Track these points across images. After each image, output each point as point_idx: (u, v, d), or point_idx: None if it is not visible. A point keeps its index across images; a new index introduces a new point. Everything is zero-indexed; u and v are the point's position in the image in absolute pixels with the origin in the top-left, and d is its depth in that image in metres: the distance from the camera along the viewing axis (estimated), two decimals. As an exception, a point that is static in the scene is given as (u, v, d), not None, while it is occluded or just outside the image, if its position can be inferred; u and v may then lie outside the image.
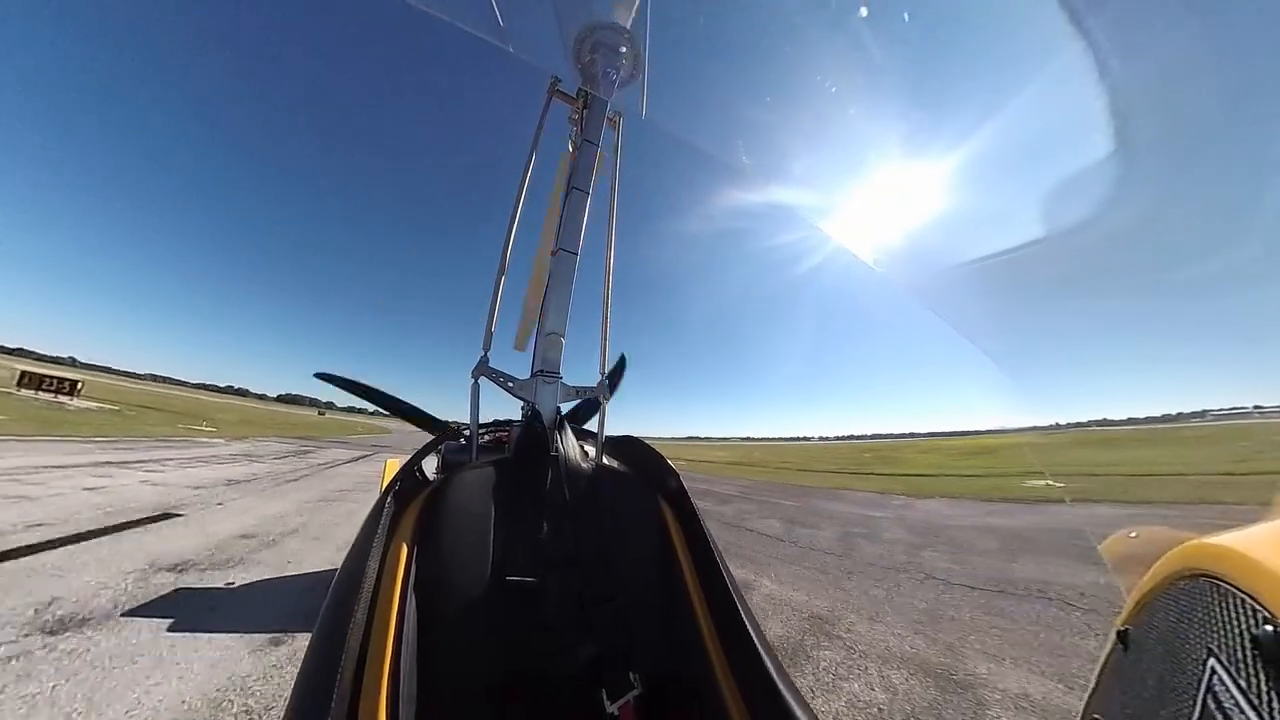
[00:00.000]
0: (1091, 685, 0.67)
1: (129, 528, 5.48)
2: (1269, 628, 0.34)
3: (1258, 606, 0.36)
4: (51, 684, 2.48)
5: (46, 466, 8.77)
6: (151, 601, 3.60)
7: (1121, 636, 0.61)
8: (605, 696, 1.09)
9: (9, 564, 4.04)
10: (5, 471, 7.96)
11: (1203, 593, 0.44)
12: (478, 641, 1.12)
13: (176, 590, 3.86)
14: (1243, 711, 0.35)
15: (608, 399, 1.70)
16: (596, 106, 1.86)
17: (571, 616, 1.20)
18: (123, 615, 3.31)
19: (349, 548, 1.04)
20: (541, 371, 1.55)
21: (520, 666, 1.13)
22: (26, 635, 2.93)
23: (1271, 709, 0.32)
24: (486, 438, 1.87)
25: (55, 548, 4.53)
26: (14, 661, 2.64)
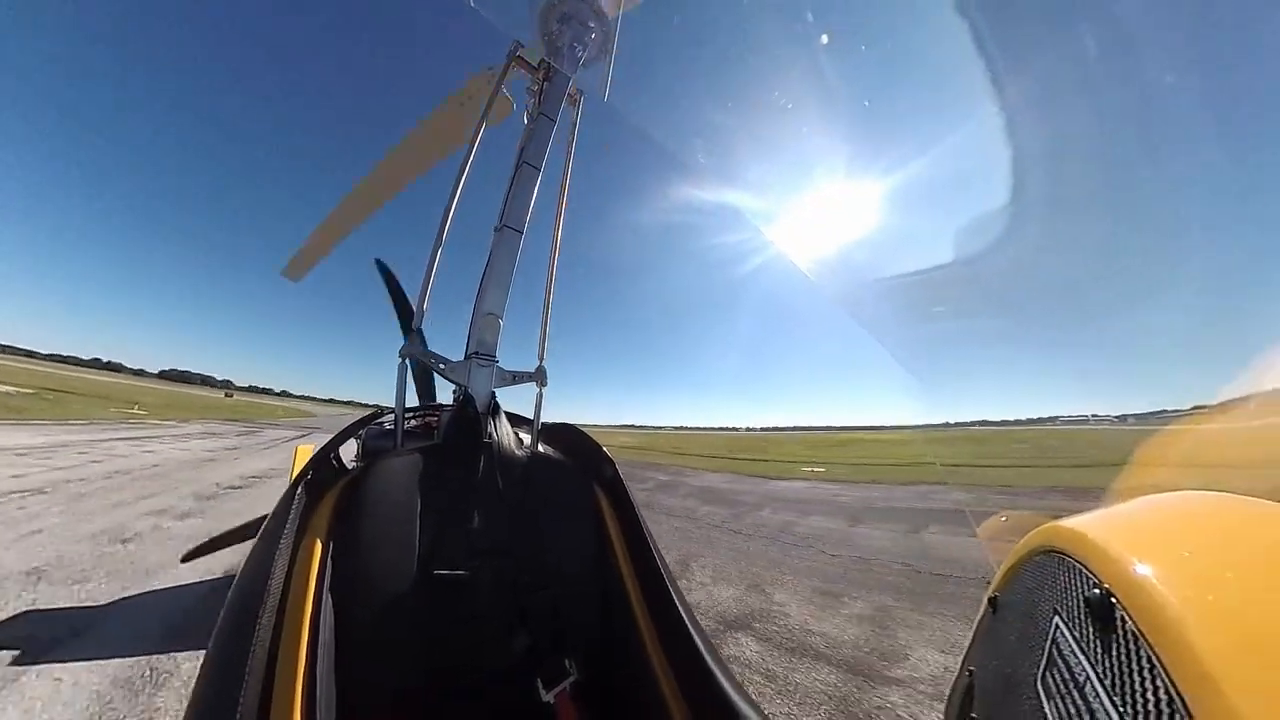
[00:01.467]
0: (968, 644, 0.81)
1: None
2: (1095, 590, 0.43)
3: (1089, 574, 0.46)
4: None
5: (88, 441, 10.73)
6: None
7: (992, 602, 0.74)
8: (541, 685, 1.09)
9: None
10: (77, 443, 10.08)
11: (1052, 565, 0.55)
12: (403, 641, 1.06)
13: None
14: (1075, 654, 0.44)
15: (545, 384, 1.66)
16: (558, 81, 1.76)
17: (504, 608, 1.18)
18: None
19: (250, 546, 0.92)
20: (476, 354, 1.47)
21: (450, 663, 1.09)
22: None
23: (1094, 650, 0.42)
24: (413, 422, 1.76)
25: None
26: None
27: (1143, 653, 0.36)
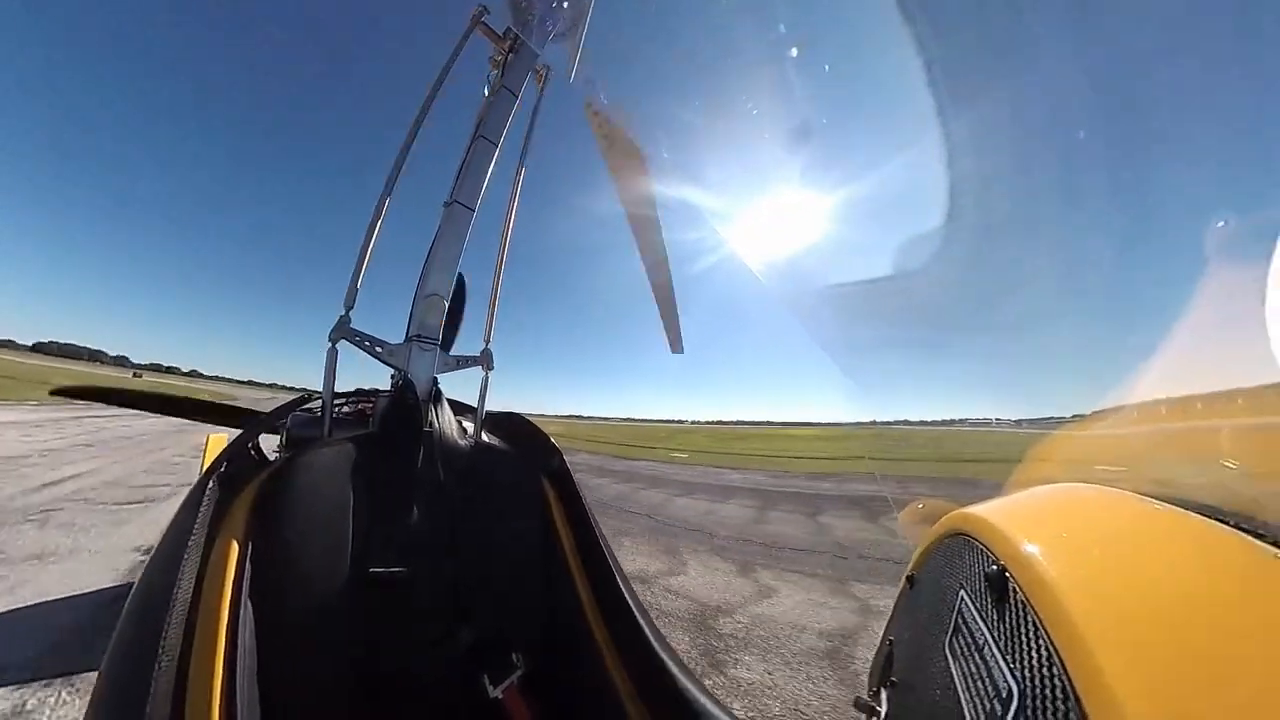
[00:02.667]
0: (889, 618, 0.90)
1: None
2: (994, 567, 0.49)
3: (989, 554, 0.52)
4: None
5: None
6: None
7: (909, 580, 0.82)
8: (487, 682, 1.05)
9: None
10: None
11: (960, 546, 0.62)
12: (335, 647, 0.98)
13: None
14: (976, 622, 0.50)
15: (491, 368, 1.59)
16: (524, 54, 1.67)
17: (446, 605, 1.13)
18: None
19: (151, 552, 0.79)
20: (418, 337, 1.38)
21: (388, 667, 1.03)
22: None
23: (991, 618, 0.48)
24: (345, 410, 1.63)
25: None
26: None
27: (1029, 618, 0.40)
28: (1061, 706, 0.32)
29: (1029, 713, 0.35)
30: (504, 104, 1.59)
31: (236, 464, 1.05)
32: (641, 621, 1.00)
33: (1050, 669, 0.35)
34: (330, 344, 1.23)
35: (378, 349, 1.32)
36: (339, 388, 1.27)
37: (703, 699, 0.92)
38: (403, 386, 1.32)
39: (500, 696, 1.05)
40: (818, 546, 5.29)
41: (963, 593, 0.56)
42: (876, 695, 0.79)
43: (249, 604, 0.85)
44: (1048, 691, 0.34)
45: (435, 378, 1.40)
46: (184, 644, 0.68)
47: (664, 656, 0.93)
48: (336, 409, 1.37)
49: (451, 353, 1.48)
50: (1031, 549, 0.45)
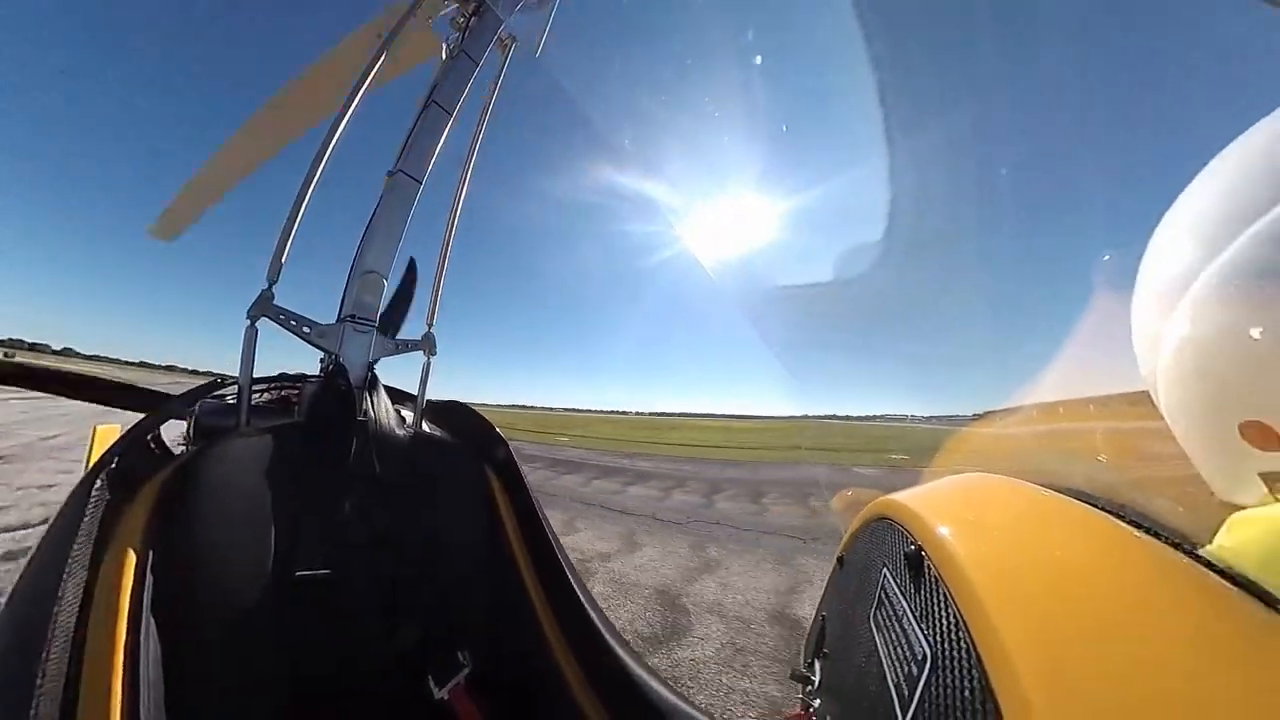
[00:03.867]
0: (821, 596, 0.97)
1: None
2: (911, 547, 0.55)
3: (908, 535, 0.58)
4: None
5: None
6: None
7: (840, 560, 0.89)
8: (433, 682, 1.01)
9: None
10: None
11: (884, 529, 0.69)
12: (261, 661, 0.90)
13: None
14: (896, 595, 0.56)
15: (434, 353, 1.50)
16: (488, 20, 1.56)
17: (384, 605, 1.07)
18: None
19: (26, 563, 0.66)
20: (353, 317, 1.27)
21: (324, 674, 0.96)
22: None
23: (909, 591, 0.54)
24: (265, 397, 1.47)
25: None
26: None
27: (940, 591, 0.45)
28: (966, 664, 0.38)
29: (940, 672, 0.41)
30: (462, 70, 1.48)
31: (132, 459, 0.92)
32: (591, 613, 1.01)
33: (957, 633, 0.40)
34: (249, 322, 1.10)
35: (305, 329, 1.20)
36: (259, 372, 1.14)
37: (655, 685, 0.94)
38: (334, 371, 1.22)
39: (446, 697, 1.02)
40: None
41: (885, 570, 0.62)
42: (811, 666, 0.87)
43: (152, 623, 0.75)
44: (955, 653, 0.40)
45: (371, 363, 1.30)
46: (69, 678, 0.57)
47: (615, 646, 0.94)
48: (256, 395, 1.24)
49: (392, 337, 1.39)
50: (943, 531, 0.51)
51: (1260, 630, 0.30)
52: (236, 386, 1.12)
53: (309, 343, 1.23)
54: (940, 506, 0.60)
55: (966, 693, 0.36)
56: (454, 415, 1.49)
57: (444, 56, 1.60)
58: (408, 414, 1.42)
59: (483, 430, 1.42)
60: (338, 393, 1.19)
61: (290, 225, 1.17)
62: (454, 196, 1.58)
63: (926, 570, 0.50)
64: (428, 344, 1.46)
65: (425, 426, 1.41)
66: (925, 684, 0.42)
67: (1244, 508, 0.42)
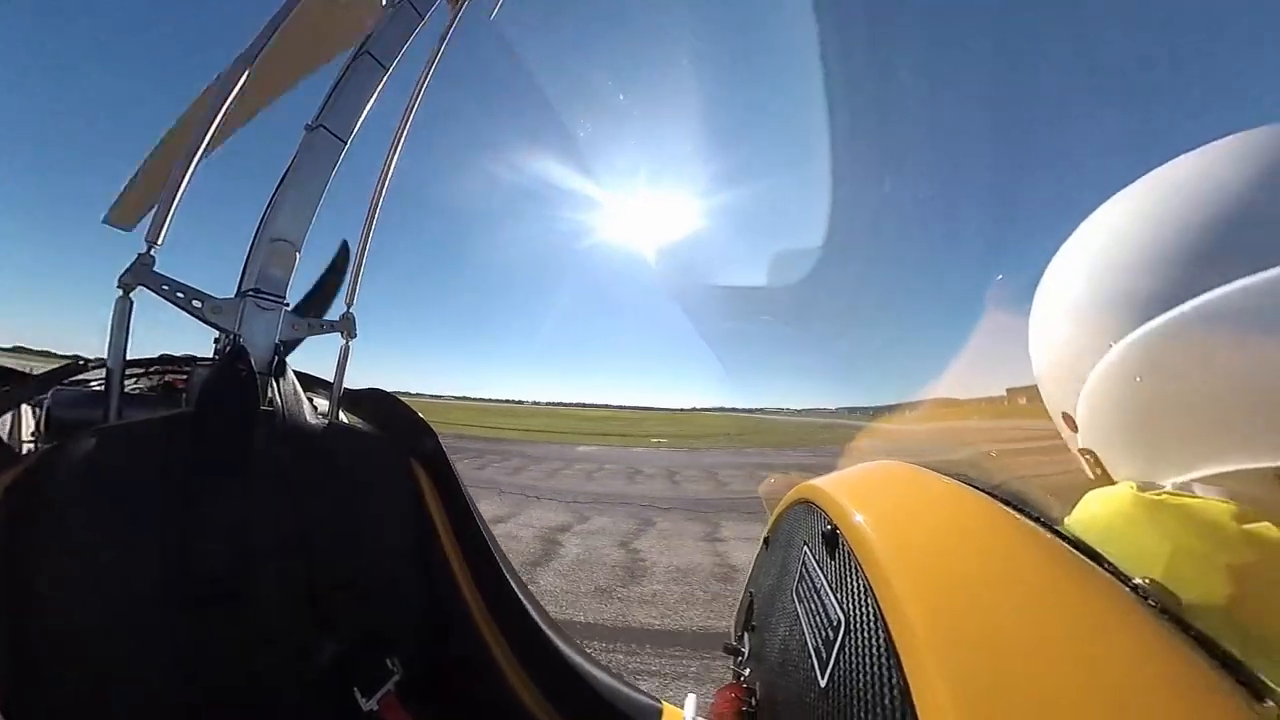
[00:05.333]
0: (749, 575, 1.02)
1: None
2: (828, 527, 0.61)
3: (825, 516, 0.64)
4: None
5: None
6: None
7: (766, 541, 0.96)
8: (359, 694, 0.93)
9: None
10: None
11: (805, 511, 0.75)
12: (151, 693, 0.78)
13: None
14: (815, 570, 0.62)
15: (354, 335, 1.37)
16: None
17: (299, 616, 0.97)
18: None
19: None
20: (256, 292, 1.11)
21: (230, 699, 0.85)
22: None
23: (826, 566, 0.59)
24: (139, 384, 1.24)
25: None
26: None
27: (853, 564, 0.51)
28: (874, 625, 0.43)
29: (853, 634, 0.46)
30: (403, 21, 1.32)
31: None
32: (529, 606, 1.00)
33: (866, 600, 0.45)
34: (120, 291, 0.91)
35: (196, 303, 1.02)
36: (133, 354, 0.97)
37: (598, 673, 0.95)
38: (232, 353, 1.06)
39: (376, 708, 0.95)
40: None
41: (805, 548, 0.69)
42: (740, 639, 0.93)
43: None
44: (864, 616, 0.45)
45: (279, 345, 1.15)
46: None
47: (555, 639, 0.94)
48: (130, 381, 1.05)
49: (305, 318, 1.24)
50: (855, 511, 0.57)
51: (1090, 586, 0.38)
52: (104, 370, 0.93)
53: (201, 319, 1.05)
54: (854, 490, 0.67)
55: (874, 649, 0.41)
56: (375, 404, 1.36)
57: (384, 2, 1.42)
58: (322, 403, 1.29)
59: (407, 420, 1.31)
60: (237, 378, 1.03)
61: (179, 177, 0.98)
62: (383, 164, 1.43)
63: (841, 546, 0.56)
64: (346, 326, 1.31)
65: (342, 416, 1.28)
66: (840, 646, 0.47)
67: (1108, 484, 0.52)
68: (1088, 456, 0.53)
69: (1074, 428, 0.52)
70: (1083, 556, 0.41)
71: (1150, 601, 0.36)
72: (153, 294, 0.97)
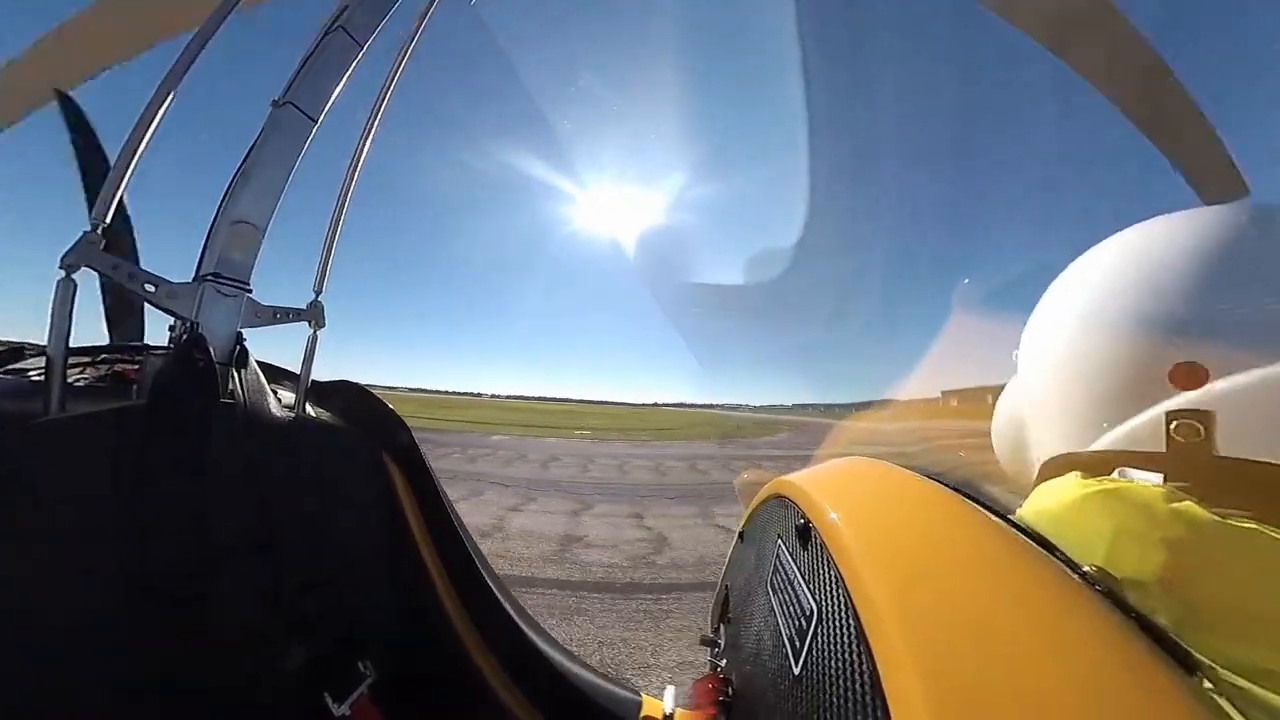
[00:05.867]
0: (725, 568, 1.05)
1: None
2: (801, 520, 0.63)
3: (799, 510, 0.66)
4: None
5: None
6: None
7: (741, 535, 0.98)
8: (330, 699, 0.90)
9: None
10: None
11: (779, 506, 0.77)
12: (106, 705, 0.73)
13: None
14: (789, 563, 0.64)
15: (322, 325, 1.31)
16: None
17: (265, 620, 0.93)
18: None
19: None
20: (216, 277, 1.05)
21: (193, 707, 0.81)
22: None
23: (799, 559, 0.61)
24: (86, 375, 1.15)
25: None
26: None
27: (825, 556, 0.53)
28: (845, 615, 0.44)
29: (825, 624, 0.47)
30: None
31: None
32: (506, 605, 0.98)
33: (837, 590, 0.47)
34: (64, 273, 0.83)
35: (148, 286, 0.95)
36: (76, 341, 0.90)
37: (578, 669, 0.95)
38: (189, 342, 0.99)
39: (349, 713, 0.92)
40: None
41: (779, 541, 0.70)
42: (717, 631, 0.96)
43: None
44: (836, 606, 0.46)
45: (240, 334, 1.09)
46: None
47: (533, 637, 0.93)
48: (75, 371, 0.97)
49: (269, 304, 1.18)
50: (827, 506, 0.59)
51: (1044, 575, 0.41)
52: (44, 359, 0.84)
53: (154, 305, 0.97)
54: (826, 486, 0.69)
55: (845, 638, 0.43)
56: (345, 397, 1.30)
57: None
58: (287, 396, 1.22)
59: (378, 413, 1.26)
60: (194, 369, 0.96)
61: (133, 145, 0.90)
62: (356, 146, 1.37)
63: (814, 539, 0.57)
64: (315, 314, 1.24)
65: (309, 410, 1.21)
66: (812, 635, 0.49)
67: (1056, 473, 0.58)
68: (1184, 421, 0.52)
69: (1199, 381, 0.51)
70: (1037, 547, 0.44)
71: (1097, 587, 0.39)
72: (101, 276, 0.89)
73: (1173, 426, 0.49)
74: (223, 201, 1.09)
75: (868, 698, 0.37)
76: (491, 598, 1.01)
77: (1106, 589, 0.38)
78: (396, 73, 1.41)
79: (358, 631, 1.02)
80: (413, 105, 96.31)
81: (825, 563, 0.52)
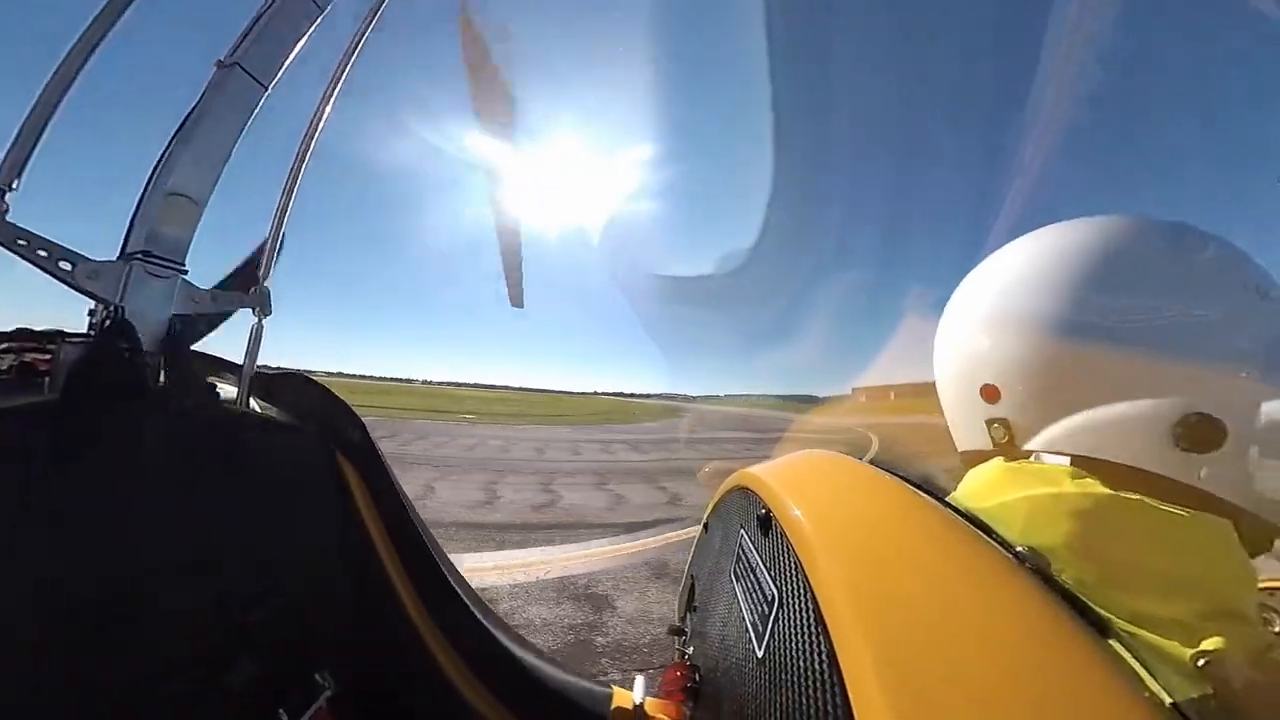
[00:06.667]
0: (690, 558, 1.07)
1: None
2: (763, 511, 0.65)
3: (761, 501, 0.68)
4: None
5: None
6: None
7: (706, 526, 1.00)
8: (285, 716, 0.85)
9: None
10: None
11: (742, 497, 0.79)
12: None
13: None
14: (751, 551, 0.66)
15: (269, 313, 1.17)
16: None
17: (210, 635, 0.86)
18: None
19: None
20: (146, 255, 0.94)
21: None
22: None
23: (761, 547, 0.63)
24: None
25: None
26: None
27: (785, 544, 0.55)
28: (804, 599, 0.47)
29: (786, 608, 0.50)
30: None
31: None
32: (472, 606, 0.96)
33: (797, 576, 0.49)
34: None
35: (64, 264, 0.85)
36: None
37: (548, 668, 0.93)
38: (111, 328, 0.90)
39: None
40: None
41: (742, 531, 0.73)
42: (684, 620, 0.98)
43: None
44: (796, 591, 0.49)
45: (174, 319, 0.98)
46: None
47: (501, 636, 0.91)
48: None
49: (209, 287, 1.09)
50: (786, 496, 0.62)
51: (982, 556, 0.45)
52: None
53: (70, 285, 0.87)
54: (786, 477, 0.72)
55: (805, 621, 0.45)
56: (293, 390, 1.20)
57: None
58: (229, 389, 1.12)
59: (331, 407, 1.17)
60: (117, 359, 0.87)
61: (49, 103, 0.80)
62: (311, 118, 1.26)
63: (774, 528, 0.60)
64: (259, 300, 1.14)
65: (254, 405, 1.12)
66: (774, 619, 0.51)
67: (983, 457, 0.65)
68: (995, 425, 0.64)
69: (994, 398, 0.64)
70: (976, 530, 0.48)
71: (1027, 565, 0.43)
72: (7, 253, 0.78)
73: (991, 429, 0.63)
74: (156, 170, 0.99)
75: (826, 676, 0.39)
76: (456, 599, 0.98)
77: (1032, 563, 0.43)
78: (361, 39, 1.31)
79: (313, 642, 0.97)
80: (369, 71, 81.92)
81: (785, 550, 0.54)
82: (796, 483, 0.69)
